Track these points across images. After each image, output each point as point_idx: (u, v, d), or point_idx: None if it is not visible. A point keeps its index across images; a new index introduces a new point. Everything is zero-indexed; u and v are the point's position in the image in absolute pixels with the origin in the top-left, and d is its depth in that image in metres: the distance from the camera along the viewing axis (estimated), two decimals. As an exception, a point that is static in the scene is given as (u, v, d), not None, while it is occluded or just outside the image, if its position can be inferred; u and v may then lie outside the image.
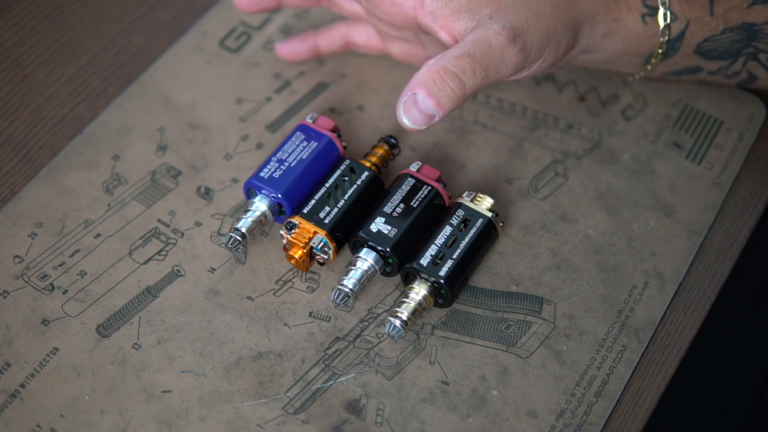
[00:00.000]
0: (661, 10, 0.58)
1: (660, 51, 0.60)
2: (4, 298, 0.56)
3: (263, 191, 0.57)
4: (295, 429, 0.53)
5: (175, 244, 0.59)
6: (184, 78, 0.65)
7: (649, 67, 0.61)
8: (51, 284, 0.57)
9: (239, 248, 0.57)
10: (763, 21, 0.59)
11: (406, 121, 0.54)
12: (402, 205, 0.57)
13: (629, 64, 0.61)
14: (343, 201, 0.57)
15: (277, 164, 0.58)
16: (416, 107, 0.53)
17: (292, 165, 0.58)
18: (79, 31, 0.67)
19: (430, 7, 0.55)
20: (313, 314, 0.56)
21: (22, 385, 0.54)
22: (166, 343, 0.55)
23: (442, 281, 0.55)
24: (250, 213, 0.57)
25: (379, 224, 0.56)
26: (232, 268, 0.58)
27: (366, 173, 0.58)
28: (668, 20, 0.58)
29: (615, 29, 0.58)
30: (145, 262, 0.58)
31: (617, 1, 0.58)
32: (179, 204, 0.60)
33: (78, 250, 0.58)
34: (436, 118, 0.54)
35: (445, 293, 0.55)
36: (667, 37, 0.59)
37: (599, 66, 0.62)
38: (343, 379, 0.54)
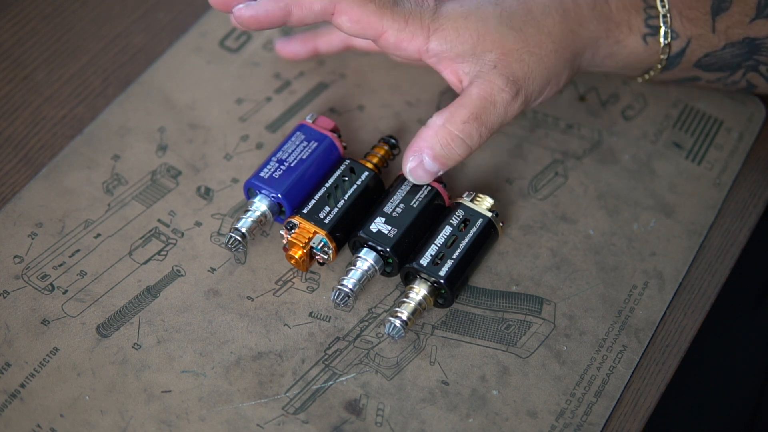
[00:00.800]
0: (663, 30, 0.58)
1: (659, 66, 0.60)
2: (4, 298, 0.56)
3: (263, 191, 0.57)
4: (295, 429, 0.53)
5: (175, 244, 0.59)
6: (184, 78, 0.65)
7: (647, 77, 0.61)
8: (51, 284, 0.57)
9: (239, 248, 0.57)
10: (765, 35, 0.58)
11: (411, 178, 0.56)
12: (402, 205, 0.57)
13: (627, 75, 0.62)
14: (343, 201, 0.57)
15: (277, 164, 0.58)
16: (422, 168, 0.56)
17: (292, 165, 0.58)
18: (79, 31, 0.67)
19: (434, 51, 0.56)
20: (313, 314, 0.56)
21: (22, 385, 0.54)
22: (166, 343, 0.55)
23: (442, 281, 0.55)
24: (250, 213, 0.57)
25: (379, 224, 0.56)
26: (232, 268, 0.58)
27: (366, 173, 0.58)
28: (669, 39, 0.58)
29: (616, 51, 0.59)
30: (145, 262, 0.58)
31: (619, 23, 0.58)
32: (179, 204, 0.60)
33: (78, 250, 0.58)
34: (440, 173, 0.56)
35: (445, 293, 0.55)
36: (667, 55, 0.59)
37: (595, 72, 0.62)
38: (343, 379, 0.54)
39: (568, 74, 0.58)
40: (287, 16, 0.54)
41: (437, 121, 0.55)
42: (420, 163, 0.55)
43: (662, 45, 0.58)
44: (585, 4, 0.57)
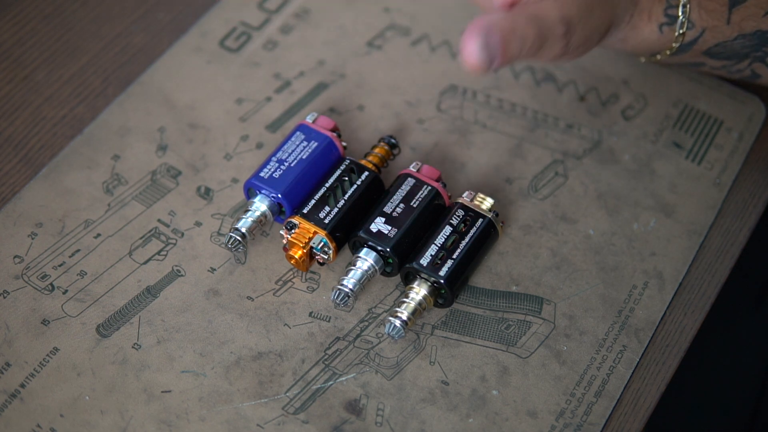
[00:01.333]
0: (680, 20, 0.58)
1: (668, 52, 0.60)
2: (4, 298, 0.56)
3: (263, 191, 0.57)
4: (295, 429, 0.53)
5: (175, 244, 0.59)
6: (184, 78, 0.65)
7: (652, 59, 0.61)
8: (51, 284, 0.57)
9: (239, 248, 0.57)
10: None
11: (468, 44, 0.50)
12: (402, 205, 0.57)
13: (632, 55, 0.62)
14: (343, 201, 0.57)
15: (277, 164, 0.58)
16: (485, 36, 0.50)
17: (292, 165, 0.58)
18: (79, 31, 0.67)
19: None
20: (313, 314, 0.56)
21: (22, 385, 0.54)
22: (166, 343, 0.55)
23: (442, 281, 0.55)
24: (250, 213, 0.57)
25: (379, 224, 0.56)
26: (232, 268, 0.58)
27: (366, 173, 0.58)
28: (685, 29, 0.58)
29: (631, 36, 0.58)
30: (145, 262, 0.58)
31: (642, 11, 0.57)
32: (179, 204, 0.60)
33: (78, 250, 0.58)
34: (492, 67, 0.51)
35: (445, 293, 0.55)
36: (680, 43, 0.59)
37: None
38: (343, 379, 0.54)
39: (596, 43, 0.56)
40: None
41: (508, 12, 0.51)
42: (490, 32, 0.50)
43: (676, 35, 0.58)
44: None
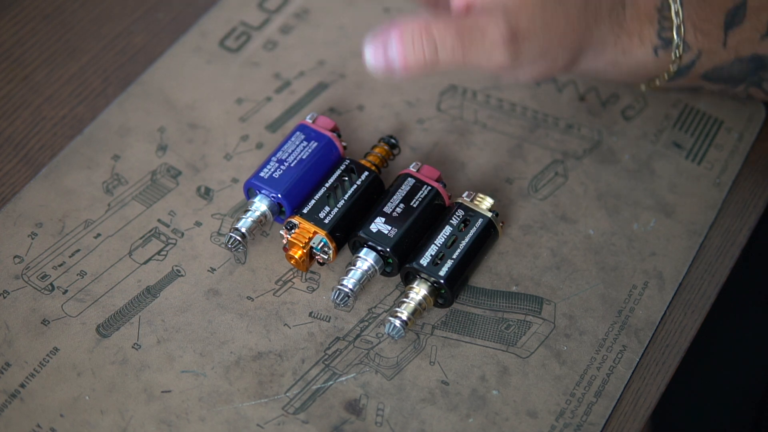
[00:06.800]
0: (675, 42, 0.57)
1: (666, 76, 0.59)
2: (4, 298, 0.56)
3: (263, 191, 0.57)
4: (295, 429, 0.53)
5: (175, 244, 0.59)
6: (184, 78, 0.65)
7: (651, 85, 0.61)
8: (51, 284, 0.57)
9: (239, 248, 0.57)
10: None
11: (367, 52, 0.51)
12: (402, 205, 0.57)
13: (629, 83, 0.61)
14: (343, 201, 0.57)
15: (277, 164, 0.58)
16: (382, 45, 0.51)
17: (292, 165, 0.58)
18: (79, 31, 0.67)
19: None
20: (313, 314, 0.56)
21: (22, 385, 0.54)
22: (166, 343, 0.55)
23: (442, 281, 0.55)
24: (250, 213, 0.57)
25: (379, 224, 0.56)
26: (232, 268, 0.58)
27: (366, 173, 0.58)
28: (681, 51, 0.58)
29: (622, 60, 0.58)
30: (145, 262, 0.58)
31: (631, 34, 0.57)
32: (179, 204, 0.60)
33: (78, 250, 0.58)
34: (396, 74, 0.51)
35: (445, 293, 0.55)
36: (677, 66, 0.58)
37: (595, 78, 0.62)
38: (343, 379, 0.54)
39: (565, 62, 0.56)
40: None
41: (424, 16, 0.51)
42: (385, 41, 0.50)
43: (673, 58, 0.58)
44: (605, 4, 0.56)
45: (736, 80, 0.60)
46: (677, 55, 0.57)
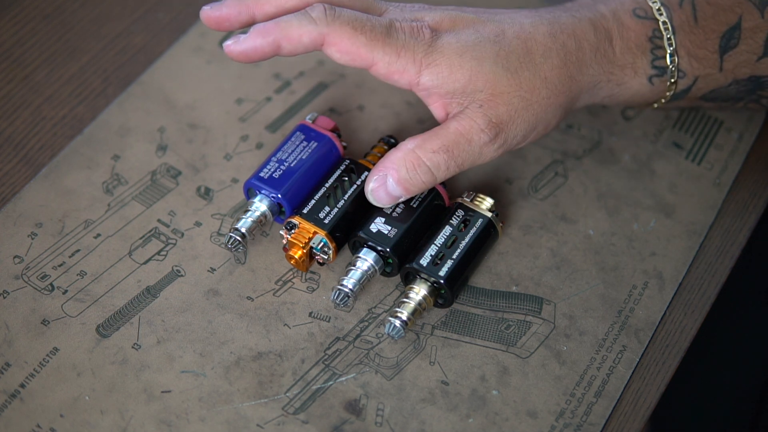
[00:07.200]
0: (670, 70, 0.57)
1: (663, 101, 0.59)
2: (4, 298, 0.56)
3: (263, 191, 0.57)
4: (295, 429, 0.53)
5: (175, 244, 0.59)
6: (184, 78, 0.66)
7: (649, 107, 0.61)
8: (51, 284, 0.57)
9: (239, 248, 0.57)
10: None
11: (371, 198, 0.55)
12: (402, 206, 0.57)
13: (627, 108, 0.62)
14: (343, 201, 0.57)
15: (277, 164, 0.58)
16: (384, 189, 0.55)
17: (292, 165, 0.58)
18: (79, 31, 0.67)
19: (425, 86, 0.54)
20: (313, 314, 0.56)
21: (22, 385, 0.54)
22: (166, 343, 0.55)
23: (442, 281, 0.55)
24: (249, 213, 0.57)
25: (378, 224, 0.56)
26: (232, 268, 0.58)
27: (366, 173, 0.58)
28: (676, 78, 0.58)
29: (618, 92, 0.58)
30: (145, 262, 0.58)
31: (623, 66, 0.57)
32: (179, 204, 0.60)
33: (78, 250, 0.58)
34: (402, 199, 0.55)
35: (445, 293, 0.55)
36: (673, 92, 0.58)
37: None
38: (343, 379, 0.54)
39: (560, 118, 0.57)
40: (276, 50, 0.53)
41: (408, 144, 0.54)
42: (383, 184, 0.54)
43: (668, 84, 0.58)
44: (588, 47, 0.56)
45: (734, 100, 0.60)
46: (672, 81, 0.57)
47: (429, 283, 0.55)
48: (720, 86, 0.58)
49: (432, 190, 0.57)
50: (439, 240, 0.56)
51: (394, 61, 0.53)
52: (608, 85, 0.57)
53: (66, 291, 0.57)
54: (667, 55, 0.57)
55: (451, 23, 0.55)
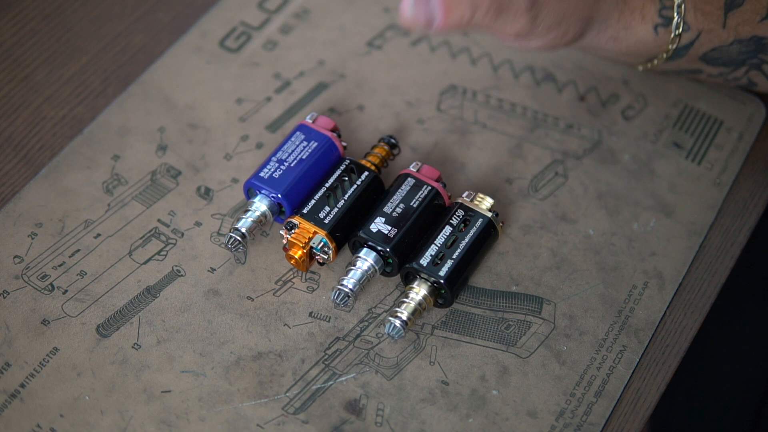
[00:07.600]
0: (675, 21, 0.58)
1: (664, 56, 0.60)
2: (4, 298, 0.56)
3: (263, 191, 0.57)
4: (295, 429, 0.53)
5: (175, 244, 0.59)
6: (184, 78, 0.65)
7: (648, 65, 0.61)
8: (51, 284, 0.57)
9: (239, 248, 0.57)
10: None
11: (408, 7, 0.51)
12: (402, 205, 0.57)
13: (628, 62, 0.62)
14: (343, 201, 0.57)
15: (277, 164, 0.58)
16: (424, 3, 0.51)
17: (292, 165, 0.58)
18: (79, 31, 0.67)
19: None
20: (313, 314, 0.56)
21: (22, 385, 0.54)
22: (166, 343, 0.55)
23: (442, 281, 0.55)
24: (250, 213, 0.57)
25: (379, 224, 0.56)
26: (232, 268, 0.58)
27: (366, 173, 0.58)
28: (680, 30, 0.58)
29: (623, 36, 0.58)
30: (145, 262, 0.58)
31: (633, 9, 0.58)
32: (179, 204, 0.60)
33: (78, 250, 0.58)
34: (432, 28, 0.52)
35: (445, 293, 0.55)
36: (676, 45, 0.59)
37: (594, 54, 0.62)
38: (343, 379, 0.54)
39: (573, 34, 0.56)
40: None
41: None
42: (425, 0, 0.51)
43: (672, 36, 0.58)
44: None
45: (735, 63, 0.60)
46: (677, 33, 0.58)
47: (429, 283, 0.55)
48: (722, 44, 0.59)
49: (432, 190, 0.57)
50: (439, 240, 0.56)
51: None
52: (617, 25, 0.58)
53: (66, 291, 0.57)
54: (675, 5, 0.58)
55: None
